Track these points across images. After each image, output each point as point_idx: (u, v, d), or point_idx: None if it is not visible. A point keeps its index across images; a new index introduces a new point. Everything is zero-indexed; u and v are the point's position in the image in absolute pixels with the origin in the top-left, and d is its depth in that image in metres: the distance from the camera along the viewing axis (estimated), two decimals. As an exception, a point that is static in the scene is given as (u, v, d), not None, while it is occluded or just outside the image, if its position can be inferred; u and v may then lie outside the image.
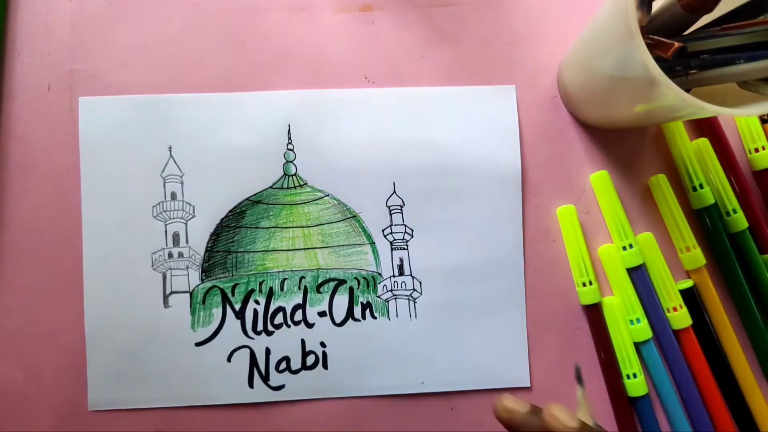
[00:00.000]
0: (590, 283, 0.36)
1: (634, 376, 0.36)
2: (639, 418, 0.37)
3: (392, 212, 0.37)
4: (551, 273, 0.38)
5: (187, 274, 0.36)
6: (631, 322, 0.36)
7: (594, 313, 0.37)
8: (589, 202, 0.38)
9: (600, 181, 0.37)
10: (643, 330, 0.36)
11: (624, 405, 0.36)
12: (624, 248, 0.36)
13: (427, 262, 0.37)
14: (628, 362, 0.36)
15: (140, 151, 0.36)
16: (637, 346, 0.36)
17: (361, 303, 0.37)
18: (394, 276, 0.37)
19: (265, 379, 0.36)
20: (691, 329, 0.37)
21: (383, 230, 0.37)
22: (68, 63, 0.37)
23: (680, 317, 0.36)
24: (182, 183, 0.37)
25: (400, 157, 0.37)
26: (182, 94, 0.37)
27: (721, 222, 0.37)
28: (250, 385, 0.36)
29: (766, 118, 0.38)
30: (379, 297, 0.37)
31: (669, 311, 0.36)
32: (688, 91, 0.27)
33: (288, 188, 0.37)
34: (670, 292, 0.36)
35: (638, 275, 0.36)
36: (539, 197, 0.38)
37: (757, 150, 0.37)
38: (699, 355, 0.37)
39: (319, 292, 0.37)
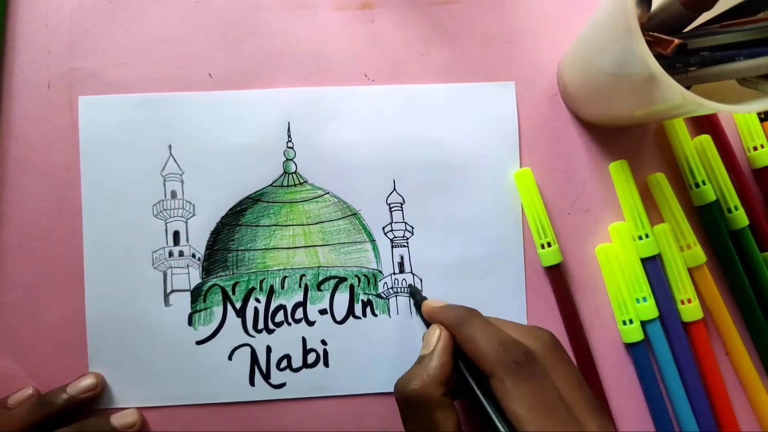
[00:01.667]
0: (549, 245, 0.37)
1: (630, 322, 0.36)
2: (634, 364, 0.37)
3: (392, 210, 0.37)
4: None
5: (188, 273, 0.36)
6: (638, 300, 0.36)
7: (555, 275, 0.37)
8: (588, 199, 0.38)
9: (619, 170, 0.37)
10: (650, 309, 0.36)
11: (589, 362, 0.37)
12: (640, 237, 0.36)
13: (428, 259, 0.37)
14: (624, 308, 0.36)
15: (140, 149, 0.36)
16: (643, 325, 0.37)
17: (362, 300, 0.37)
18: (394, 273, 0.37)
19: (266, 377, 0.36)
20: (701, 323, 0.37)
21: (383, 228, 0.37)
22: (68, 61, 0.37)
23: (691, 310, 0.36)
24: (182, 181, 0.37)
25: (400, 154, 0.37)
26: (182, 92, 0.37)
27: (722, 219, 0.37)
28: (251, 383, 0.36)
29: (763, 116, 0.38)
30: (379, 294, 0.37)
31: (682, 303, 0.36)
32: (687, 88, 0.27)
33: (288, 186, 0.37)
34: (685, 283, 0.36)
35: (652, 266, 0.36)
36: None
37: (756, 148, 0.37)
38: (707, 347, 0.37)
39: (319, 289, 0.37)
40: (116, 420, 0.35)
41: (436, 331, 0.30)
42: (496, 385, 0.27)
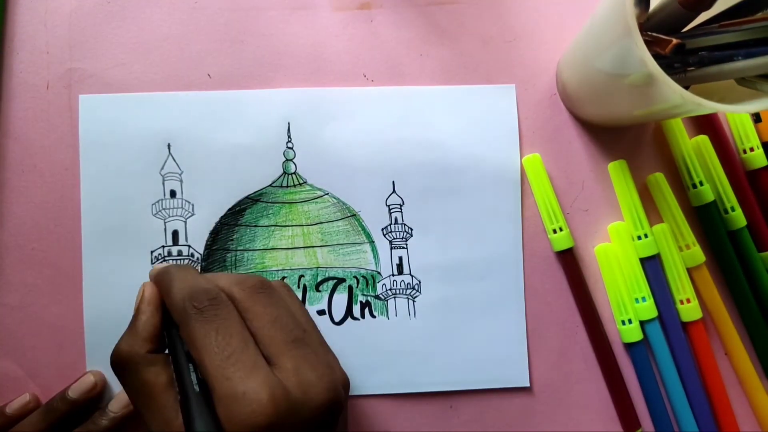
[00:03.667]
0: (561, 230, 0.37)
1: (629, 322, 0.36)
2: (634, 364, 0.37)
3: (392, 211, 0.37)
4: (551, 271, 0.38)
5: (187, 273, 0.36)
6: (637, 300, 0.36)
7: (568, 259, 0.37)
8: (587, 199, 0.38)
9: (618, 169, 0.37)
10: (649, 308, 0.36)
11: (607, 350, 0.37)
12: (639, 237, 0.36)
13: (427, 261, 0.37)
14: (623, 308, 0.36)
15: (139, 148, 0.36)
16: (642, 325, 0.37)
17: (360, 302, 0.37)
18: (393, 275, 0.37)
19: (265, 377, 0.36)
20: (700, 322, 0.37)
21: (382, 229, 0.37)
22: (67, 61, 0.37)
23: (691, 309, 0.36)
24: (181, 181, 0.37)
25: (399, 155, 0.37)
26: (181, 92, 0.37)
27: (721, 220, 0.37)
28: (250, 383, 0.36)
29: (755, 119, 0.38)
30: (378, 296, 0.37)
31: (682, 303, 0.36)
32: (686, 88, 0.27)
33: (287, 186, 0.37)
34: (684, 283, 0.36)
35: (651, 266, 0.36)
36: (538, 195, 0.38)
37: (752, 149, 0.37)
38: (707, 347, 0.37)
39: (318, 290, 0.37)
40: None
41: (141, 288, 0.29)
42: (183, 335, 0.25)
